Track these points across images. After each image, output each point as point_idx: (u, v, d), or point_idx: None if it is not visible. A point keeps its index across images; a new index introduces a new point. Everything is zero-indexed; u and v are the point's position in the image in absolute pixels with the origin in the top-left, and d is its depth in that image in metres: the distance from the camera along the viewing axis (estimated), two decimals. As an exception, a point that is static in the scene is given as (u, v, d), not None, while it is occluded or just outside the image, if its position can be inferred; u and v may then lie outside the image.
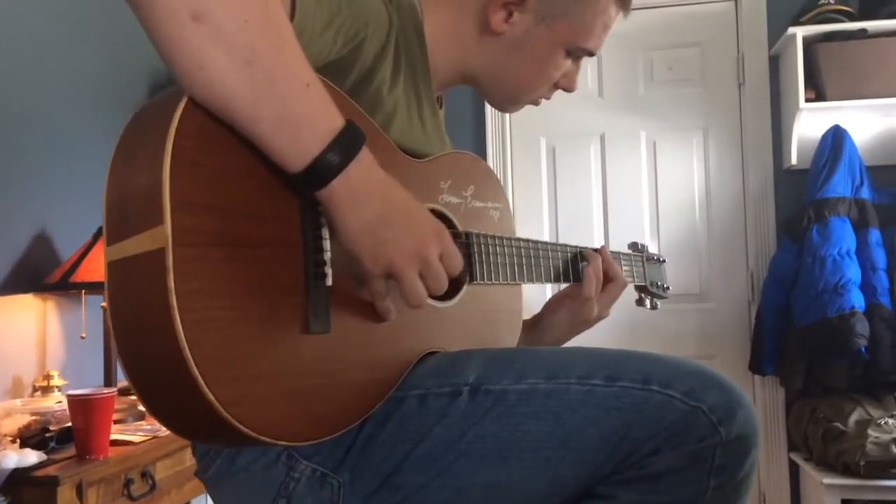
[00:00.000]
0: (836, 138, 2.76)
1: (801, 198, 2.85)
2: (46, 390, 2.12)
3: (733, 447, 0.81)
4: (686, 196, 3.12)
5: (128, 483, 1.81)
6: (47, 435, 1.80)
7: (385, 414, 0.86)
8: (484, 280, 1.01)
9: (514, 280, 1.07)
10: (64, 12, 2.41)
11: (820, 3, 2.79)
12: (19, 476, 1.59)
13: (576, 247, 1.22)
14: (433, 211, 0.99)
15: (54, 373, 2.16)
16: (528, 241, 1.11)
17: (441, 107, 1.13)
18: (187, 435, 0.79)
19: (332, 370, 0.79)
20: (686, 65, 3.12)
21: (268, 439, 0.72)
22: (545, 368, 0.86)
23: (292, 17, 0.77)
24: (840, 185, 2.72)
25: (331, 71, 0.85)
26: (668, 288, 1.48)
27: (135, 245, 0.70)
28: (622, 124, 3.16)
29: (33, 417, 1.84)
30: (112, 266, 0.73)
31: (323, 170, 0.73)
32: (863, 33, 2.74)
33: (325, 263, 0.79)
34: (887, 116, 2.87)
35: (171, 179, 0.67)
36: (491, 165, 3.19)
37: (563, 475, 0.84)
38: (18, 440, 1.75)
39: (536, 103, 1.14)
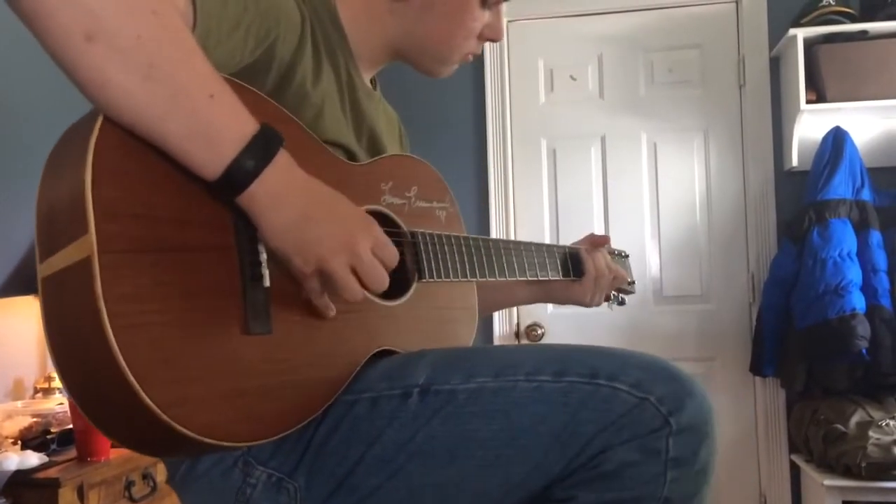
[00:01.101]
0: (836, 140, 2.76)
1: (802, 199, 2.85)
2: (47, 392, 2.12)
3: (685, 437, 0.81)
4: (687, 197, 3.11)
5: (129, 485, 1.82)
6: (48, 437, 1.80)
7: (338, 417, 0.87)
8: (434, 277, 1.01)
9: (466, 277, 1.07)
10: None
11: (821, 4, 2.79)
12: (20, 478, 1.60)
13: (541, 244, 1.25)
14: (375, 212, 0.98)
15: (55, 374, 2.16)
16: (478, 238, 1.11)
17: (375, 88, 1.13)
18: (137, 446, 0.78)
19: (276, 370, 0.79)
20: (687, 66, 3.12)
21: (211, 441, 0.71)
22: (494, 367, 0.86)
23: (195, 22, 0.76)
24: (841, 187, 2.72)
25: (248, 74, 0.85)
26: (633, 282, 1.48)
27: (63, 258, 0.70)
28: (623, 126, 3.15)
29: (34, 419, 1.85)
30: (44, 283, 0.72)
31: (239, 176, 0.73)
32: (863, 35, 2.74)
33: (260, 264, 0.79)
34: (888, 118, 2.87)
35: (92, 189, 0.67)
36: (491, 167, 3.22)
37: (515, 473, 0.84)
38: (19, 442, 1.75)
39: (467, 60, 1.13)
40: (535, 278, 1.21)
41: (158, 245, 0.71)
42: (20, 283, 2.23)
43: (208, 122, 0.72)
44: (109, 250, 0.67)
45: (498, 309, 1.40)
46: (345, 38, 1.02)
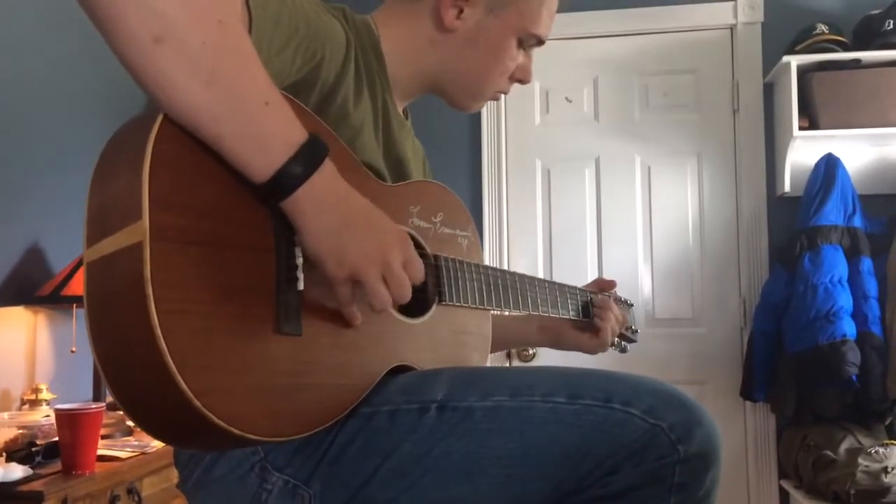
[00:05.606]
0: (829, 166, 2.78)
1: (794, 225, 2.87)
2: (34, 404, 2.11)
3: (692, 465, 0.84)
4: (680, 221, 3.13)
5: (114, 499, 1.80)
6: (34, 449, 1.79)
7: (355, 428, 0.88)
8: (453, 301, 1.05)
9: (483, 304, 1.10)
10: (59, 23, 2.42)
11: (814, 32, 2.82)
12: (4, 490, 1.58)
13: (554, 282, 1.28)
14: None
15: (43, 386, 2.15)
16: (496, 269, 1.15)
17: (406, 119, 1.17)
18: (156, 430, 0.79)
19: (301, 371, 0.81)
20: (681, 91, 3.15)
21: (236, 431, 0.73)
22: (510, 386, 0.88)
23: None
24: (833, 214, 2.73)
25: (292, 91, 0.88)
26: (636, 331, 1.52)
27: (113, 243, 0.72)
28: (617, 148, 3.17)
29: (20, 431, 1.83)
30: (90, 266, 0.75)
31: (286, 181, 0.76)
32: (856, 63, 2.77)
33: (296, 267, 0.81)
34: (880, 146, 2.90)
35: (149, 179, 0.70)
36: (486, 187, 3.23)
37: (527, 491, 0.86)
38: (4, 454, 1.74)
39: (496, 98, 1.19)
40: (548, 314, 1.25)
41: (204, 239, 0.74)
42: (11, 294, 2.23)
43: (262, 128, 0.75)
44: (160, 238, 0.70)
45: (507, 348, 1.44)
46: (384, 67, 1.06)
